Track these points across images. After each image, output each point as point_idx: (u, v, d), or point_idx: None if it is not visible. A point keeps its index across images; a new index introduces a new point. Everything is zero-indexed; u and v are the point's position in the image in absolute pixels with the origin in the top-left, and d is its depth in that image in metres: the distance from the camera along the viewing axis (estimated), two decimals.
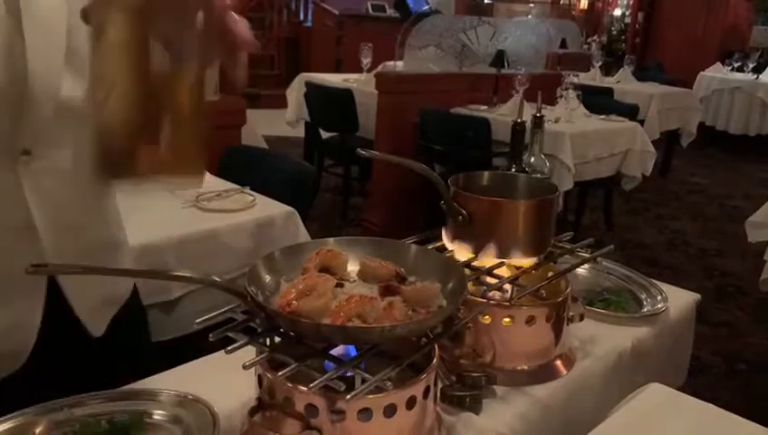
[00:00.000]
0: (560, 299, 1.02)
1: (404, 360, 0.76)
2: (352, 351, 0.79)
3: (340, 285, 0.82)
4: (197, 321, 0.78)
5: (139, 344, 1.18)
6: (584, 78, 5.60)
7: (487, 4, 10.06)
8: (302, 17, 9.44)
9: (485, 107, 4.01)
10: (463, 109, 4.03)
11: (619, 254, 3.84)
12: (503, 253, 1.03)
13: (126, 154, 0.60)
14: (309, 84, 4.58)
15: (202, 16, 0.60)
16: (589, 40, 8.05)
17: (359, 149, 0.99)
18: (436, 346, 0.81)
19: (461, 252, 1.05)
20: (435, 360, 0.79)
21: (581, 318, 1.07)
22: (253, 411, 0.78)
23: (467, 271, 1.00)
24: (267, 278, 0.84)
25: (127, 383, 0.92)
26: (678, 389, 0.98)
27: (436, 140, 3.82)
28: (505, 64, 4.12)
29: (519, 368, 1.00)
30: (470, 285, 0.94)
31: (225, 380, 0.84)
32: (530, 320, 0.98)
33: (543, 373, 1.01)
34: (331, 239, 0.92)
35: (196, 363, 1.02)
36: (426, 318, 0.77)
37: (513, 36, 4.69)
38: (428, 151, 3.81)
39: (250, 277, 0.80)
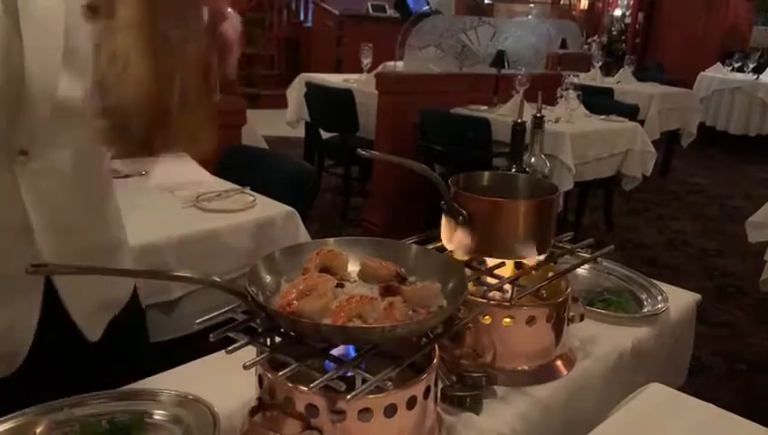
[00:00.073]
0: (560, 299, 1.02)
1: (404, 360, 0.76)
2: (353, 351, 0.79)
3: (340, 286, 0.83)
4: (198, 321, 0.79)
5: (138, 347, 1.17)
6: (584, 78, 5.59)
7: (487, 4, 10.06)
8: (302, 17, 9.44)
9: (486, 107, 4.00)
10: (463, 109, 4.03)
11: (620, 254, 3.83)
12: (503, 253, 1.03)
13: (141, 127, 0.63)
14: (309, 84, 4.58)
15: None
16: (589, 40, 8.05)
17: (359, 150, 0.99)
18: (436, 346, 0.81)
19: (461, 252, 1.05)
20: (435, 360, 0.79)
21: (582, 318, 1.07)
22: (253, 411, 0.78)
23: (468, 271, 1.00)
24: (268, 278, 0.84)
25: (126, 384, 0.92)
26: (679, 389, 0.98)
27: (437, 140, 3.81)
28: (506, 65, 4.12)
29: (519, 368, 1.00)
30: (470, 286, 0.94)
31: (226, 380, 0.84)
32: (530, 320, 0.98)
33: (544, 374, 1.01)
34: (332, 239, 0.92)
35: (197, 364, 1.02)
36: (426, 318, 0.77)
37: (513, 36, 4.69)
38: (429, 152, 3.81)
39: (250, 277, 0.80)
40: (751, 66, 7.36)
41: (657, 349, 1.21)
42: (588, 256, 1.16)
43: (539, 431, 0.96)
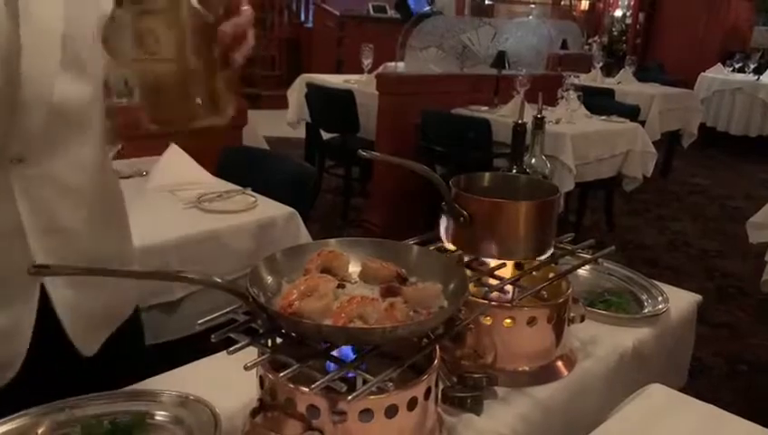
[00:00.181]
0: (561, 300, 1.02)
1: (405, 361, 0.76)
2: (354, 352, 0.79)
3: (341, 286, 0.83)
4: (199, 322, 0.79)
5: (134, 353, 1.15)
6: (585, 79, 5.59)
7: (488, 5, 10.06)
8: (302, 18, 9.44)
9: (486, 108, 4.01)
10: (464, 110, 4.03)
11: (620, 255, 3.83)
12: (504, 254, 1.03)
13: (173, 103, 0.69)
14: (310, 85, 4.58)
15: None
16: (590, 41, 8.05)
17: (360, 151, 0.99)
18: (437, 347, 0.81)
19: (462, 253, 1.05)
20: (436, 361, 0.79)
21: (582, 319, 1.07)
22: (254, 412, 0.78)
23: (468, 272, 1.01)
24: (269, 279, 0.84)
25: (127, 386, 0.92)
26: (680, 390, 0.98)
27: (438, 141, 3.82)
28: (506, 65, 4.11)
29: (520, 369, 1.01)
30: (471, 286, 0.94)
31: (227, 381, 0.84)
32: (531, 321, 0.98)
33: (545, 374, 1.01)
34: (333, 240, 0.92)
35: (198, 364, 1.02)
36: (427, 319, 0.78)
37: (514, 37, 4.69)
38: (429, 152, 3.81)
39: (252, 278, 0.80)
40: (752, 67, 7.36)
41: (658, 350, 1.21)
42: (589, 256, 1.16)
43: (540, 432, 0.96)
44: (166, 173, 2.04)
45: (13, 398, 0.84)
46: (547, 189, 1.09)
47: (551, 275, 1.07)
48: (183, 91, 0.69)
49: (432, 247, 1.05)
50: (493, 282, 1.00)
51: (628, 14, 10.20)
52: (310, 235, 1.94)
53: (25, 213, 0.87)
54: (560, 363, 1.04)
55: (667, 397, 0.94)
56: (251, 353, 0.75)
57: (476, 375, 0.92)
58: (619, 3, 10.39)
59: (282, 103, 5.06)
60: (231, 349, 0.75)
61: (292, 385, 0.73)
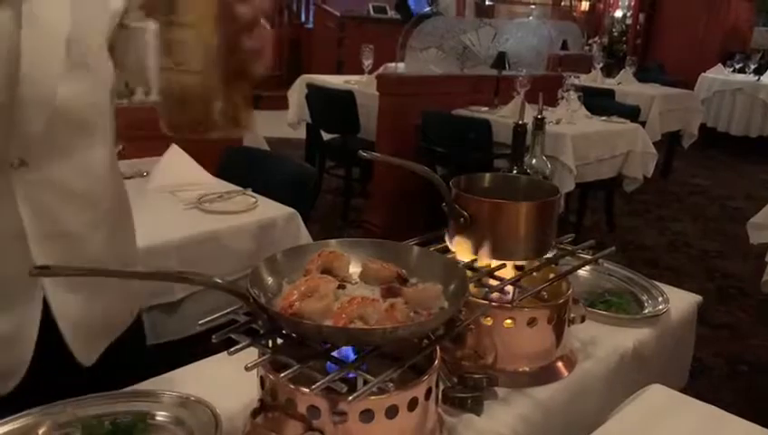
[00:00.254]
0: (561, 301, 1.02)
1: (406, 361, 0.76)
2: (354, 352, 0.79)
3: (341, 287, 0.83)
4: (200, 322, 0.79)
5: (136, 359, 1.14)
6: (585, 79, 5.59)
7: (488, 5, 10.06)
8: (303, 19, 9.44)
9: (487, 109, 4.00)
10: (464, 110, 4.03)
11: (621, 255, 3.83)
12: (504, 255, 1.03)
13: (195, 112, 0.71)
14: (310, 86, 4.58)
15: None
16: (590, 41, 8.03)
17: (361, 152, 0.99)
18: (437, 348, 0.81)
19: (462, 254, 1.05)
20: (436, 361, 0.79)
21: (583, 320, 1.07)
22: (255, 413, 0.78)
23: (469, 273, 1.01)
24: (269, 280, 0.84)
25: (128, 386, 0.92)
26: (680, 390, 0.98)
27: (438, 141, 3.82)
28: (507, 66, 4.11)
29: (520, 369, 1.01)
30: (472, 287, 0.94)
31: (228, 381, 0.84)
32: (531, 322, 0.98)
33: (545, 375, 1.01)
34: (333, 241, 0.92)
35: (199, 365, 1.02)
36: (427, 320, 0.78)
37: (514, 38, 4.69)
38: (430, 153, 3.81)
39: (252, 279, 0.80)
40: (752, 67, 7.35)
41: (659, 350, 1.21)
42: (589, 257, 1.16)
43: (540, 433, 0.96)
44: (166, 174, 2.04)
45: (14, 404, 0.84)
46: (547, 190, 1.09)
47: (551, 275, 1.07)
48: (206, 103, 0.71)
49: (432, 248, 1.05)
50: (493, 283, 1.00)
51: (628, 14, 10.20)
52: (310, 235, 1.94)
53: (27, 218, 0.86)
54: (560, 364, 1.04)
55: (668, 397, 0.94)
56: (251, 354, 0.75)
57: (477, 376, 0.92)
58: (620, 3, 10.39)
59: (282, 104, 5.06)
60: (232, 349, 0.75)
61: (292, 386, 0.73)
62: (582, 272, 1.33)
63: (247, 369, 0.73)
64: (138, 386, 0.93)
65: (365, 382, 0.72)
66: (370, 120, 4.16)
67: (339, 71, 7.16)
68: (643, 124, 4.45)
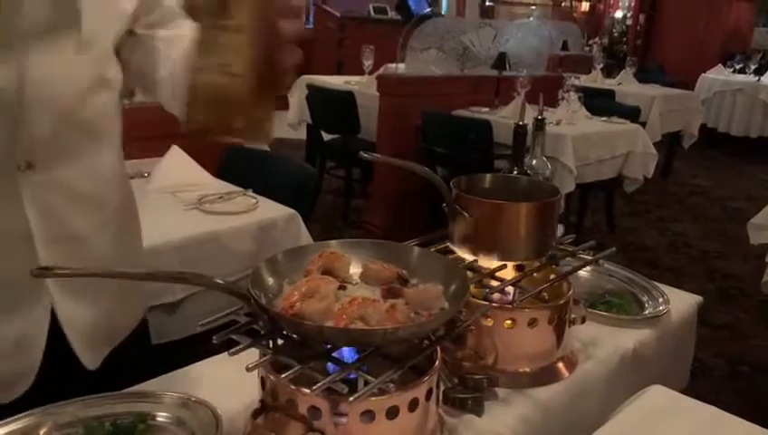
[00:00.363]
0: (562, 301, 1.02)
1: (406, 362, 0.76)
2: (355, 353, 0.79)
3: (342, 288, 0.83)
4: (201, 323, 0.79)
5: (141, 365, 1.15)
6: (586, 80, 5.59)
7: (489, 6, 10.06)
8: (303, 19, 9.45)
9: (487, 109, 4.01)
10: (464, 111, 4.03)
11: (621, 256, 3.83)
12: (505, 255, 1.03)
13: (222, 116, 0.73)
14: (310, 86, 4.58)
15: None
16: (590, 42, 8.03)
17: (361, 152, 1.00)
18: (438, 348, 0.81)
19: (463, 254, 1.05)
20: (437, 362, 0.79)
21: (583, 320, 1.07)
22: (256, 414, 0.78)
23: (469, 273, 1.01)
24: (270, 281, 0.84)
25: (129, 386, 0.92)
26: (681, 391, 0.98)
27: (438, 142, 3.82)
28: (507, 66, 4.12)
29: (521, 370, 1.01)
30: (472, 288, 0.94)
31: (229, 382, 0.85)
32: (532, 322, 0.99)
33: (545, 376, 1.02)
34: (334, 242, 0.93)
35: (200, 366, 1.03)
36: (428, 320, 0.78)
37: (514, 38, 4.69)
38: (430, 154, 3.81)
39: (253, 280, 0.80)
40: (752, 68, 7.36)
41: (659, 351, 1.21)
42: (589, 258, 1.16)
43: (540, 433, 0.96)
44: (167, 174, 2.04)
45: (20, 411, 0.83)
46: (548, 191, 1.09)
47: (551, 276, 1.07)
48: (239, 106, 0.72)
49: (433, 249, 1.05)
50: (493, 283, 1.00)
51: (628, 15, 10.20)
52: (311, 236, 1.94)
53: (34, 219, 0.86)
54: (560, 365, 1.04)
55: (668, 398, 0.94)
56: (252, 355, 0.75)
57: (477, 376, 0.92)
58: (620, 4, 10.39)
59: (282, 104, 5.06)
60: (232, 350, 0.75)
61: (293, 386, 0.73)
62: (583, 273, 1.33)
63: (248, 369, 0.73)
64: (138, 387, 0.93)
65: (366, 383, 0.72)
66: (371, 120, 4.16)
67: (339, 71, 7.16)
68: (643, 125, 4.45)
